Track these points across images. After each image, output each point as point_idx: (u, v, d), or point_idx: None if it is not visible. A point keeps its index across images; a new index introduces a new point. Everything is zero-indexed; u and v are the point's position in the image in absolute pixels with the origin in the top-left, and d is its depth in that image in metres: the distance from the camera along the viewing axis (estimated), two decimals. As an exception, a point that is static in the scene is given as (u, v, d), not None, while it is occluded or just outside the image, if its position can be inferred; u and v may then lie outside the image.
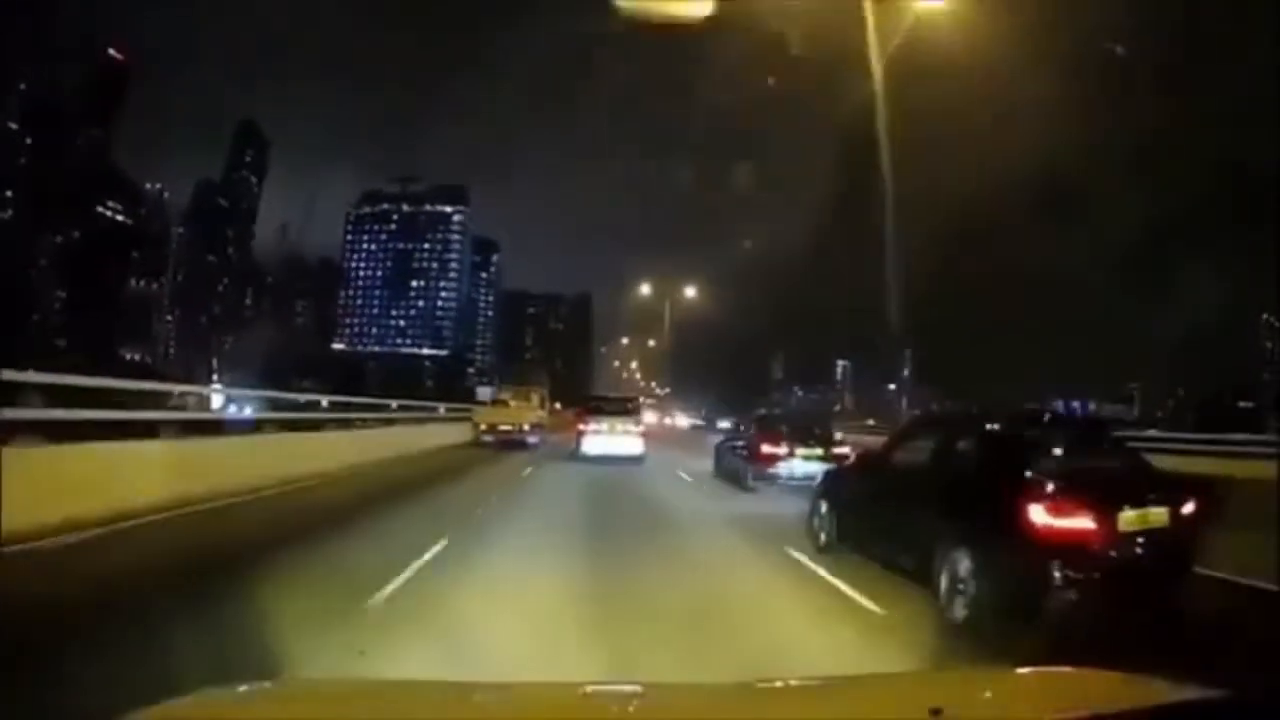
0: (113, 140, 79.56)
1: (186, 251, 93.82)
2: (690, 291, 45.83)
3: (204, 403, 17.08)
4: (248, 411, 17.40)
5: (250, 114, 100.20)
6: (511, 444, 19.98)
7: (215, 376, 69.22)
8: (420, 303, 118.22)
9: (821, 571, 5.44)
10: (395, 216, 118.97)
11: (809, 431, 11.53)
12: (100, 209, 79.05)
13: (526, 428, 20.89)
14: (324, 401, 19.05)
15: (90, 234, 75.68)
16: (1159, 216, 50.72)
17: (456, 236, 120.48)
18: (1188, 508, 4.35)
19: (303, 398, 20.94)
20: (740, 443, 12.23)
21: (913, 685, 2.04)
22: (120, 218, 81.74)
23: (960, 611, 4.21)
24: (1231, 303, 49.70)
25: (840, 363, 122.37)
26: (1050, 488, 4.12)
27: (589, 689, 1.96)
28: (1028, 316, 72.42)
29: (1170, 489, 4.48)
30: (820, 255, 79.45)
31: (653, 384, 79.03)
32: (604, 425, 16.51)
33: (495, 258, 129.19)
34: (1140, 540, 4.12)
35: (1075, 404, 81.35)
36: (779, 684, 2.06)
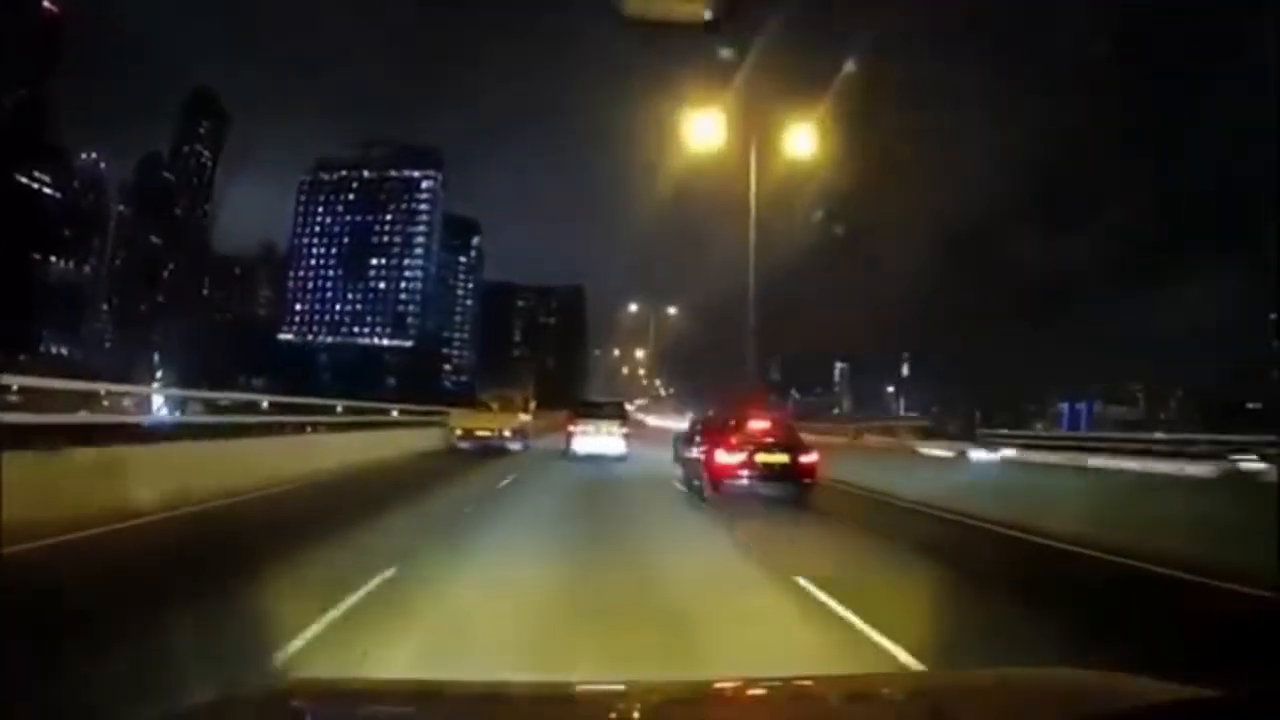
0: (42, 103, 77.34)
1: (127, 232, 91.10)
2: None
3: (142, 405, 17.72)
4: (177, 414, 18.43)
5: (209, 83, 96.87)
6: (489, 451, 20.13)
7: (159, 374, 67.62)
8: (380, 284, 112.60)
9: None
10: (354, 184, 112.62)
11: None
12: (23, 179, 76.70)
13: (507, 433, 21.32)
14: (264, 403, 18.90)
15: (10, 207, 72.18)
16: (1163, 217, 53.83)
17: (425, 206, 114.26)
18: (807, 457, 11.34)
19: (231, 398, 19.98)
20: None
21: (913, 685, 2.21)
22: (48, 190, 79.87)
23: (697, 496, 11.95)
24: (1237, 302, 52.61)
25: (839, 365, 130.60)
26: (722, 443, 11.52)
27: (587, 688, 2.18)
28: (1030, 318, 77.46)
29: (799, 448, 11.55)
30: (821, 256, 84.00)
31: (656, 382, 78.49)
32: (591, 427, 19.73)
33: (476, 240, 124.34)
34: (772, 466, 11.19)
35: (1080, 406, 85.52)
36: (777, 683, 2.19)
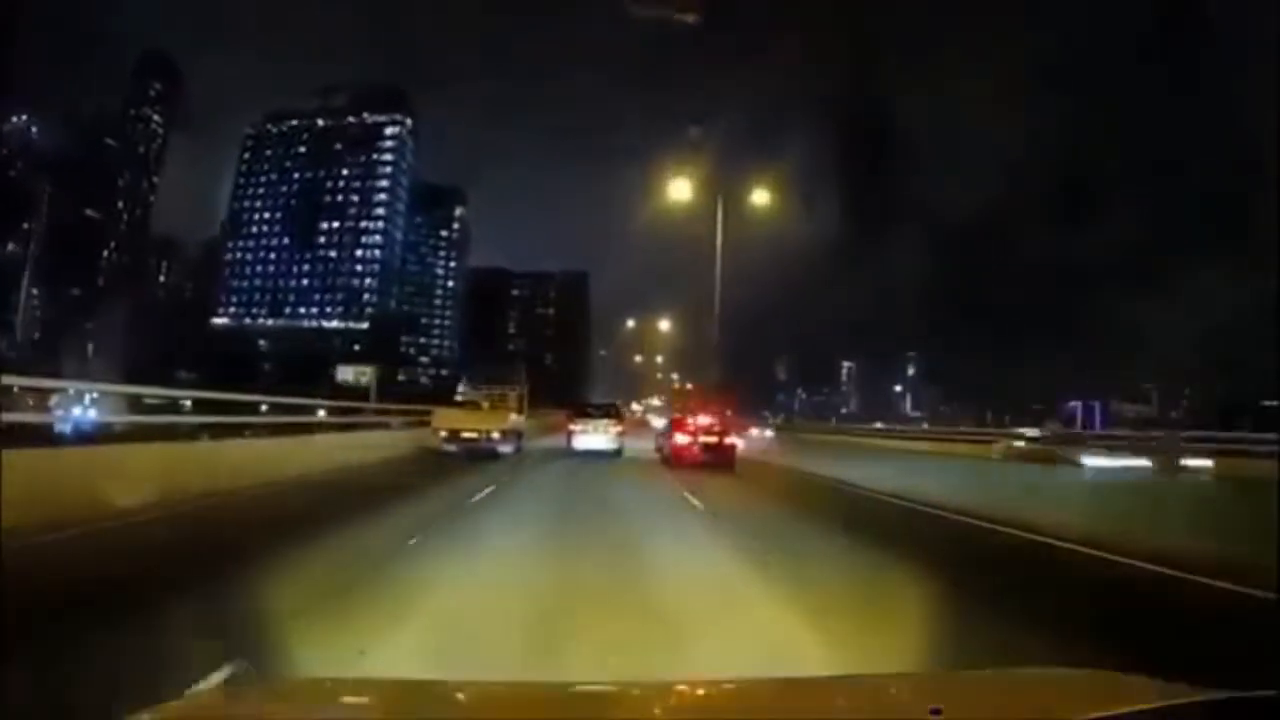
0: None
1: (61, 206, 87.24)
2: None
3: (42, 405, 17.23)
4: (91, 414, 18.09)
5: (166, 40, 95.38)
6: (479, 454, 21.04)
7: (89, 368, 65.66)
8: (331, 253, 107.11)
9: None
10: (305, 135, 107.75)
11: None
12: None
13: (496, 435, 22.43)
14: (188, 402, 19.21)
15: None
16: (1173, 215, 58.51)
17: (389, 157, 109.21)
18: (729, 440, 21.40)
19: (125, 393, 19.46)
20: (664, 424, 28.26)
21: (913, 685, 2.48)
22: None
23: (664, 462, 21.88)
24: (1250, 301, 56.52)
25: (846, 364, 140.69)
26: (679, 427, 21.86)
27: (586, 688, 2.53)
28: (1040, 317, 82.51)
29: (724, 433, 21.41)
30: (827, 256, 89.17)
31: (674, 375, 76.13)
32: (589, 426, 25.18)
33: (459, 211, 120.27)
34: (708, 444, 20.80)
35: (1095, 404, 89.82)
36: (777, 683, 2.51)
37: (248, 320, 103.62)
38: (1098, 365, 79.95)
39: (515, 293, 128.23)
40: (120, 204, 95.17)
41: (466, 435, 21.98)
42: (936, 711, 1.51)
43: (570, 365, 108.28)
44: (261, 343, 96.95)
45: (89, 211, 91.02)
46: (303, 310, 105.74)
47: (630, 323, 75.47)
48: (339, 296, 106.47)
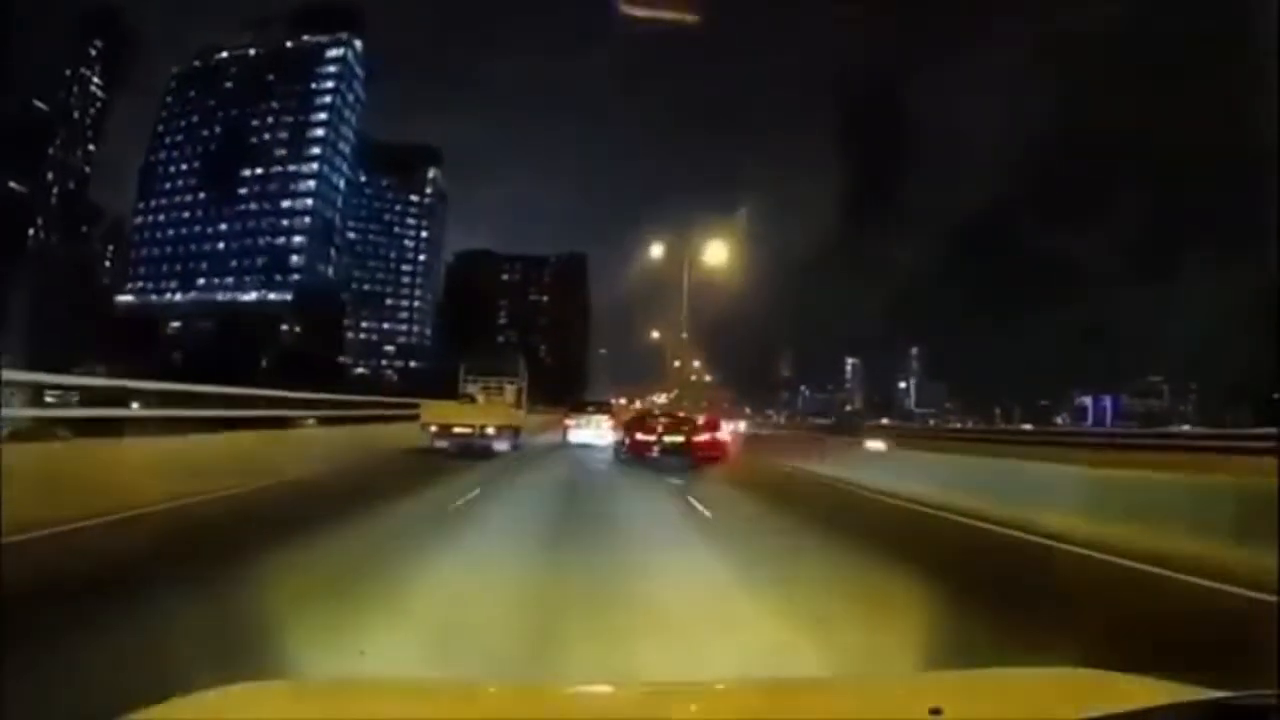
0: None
1: None
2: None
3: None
4: None
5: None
6: (473, 453, 21.60)
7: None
8: (252, 205, 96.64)
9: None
10: (233, 70, 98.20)
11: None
12: None
13: (491, 431, 23.16)
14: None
15: None
16: (1179, 210, 60.37)
17: (329, 84, 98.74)
18: (696, 437, 22.51)
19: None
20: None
21: (913, 685, 2.71)
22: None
23: (619, 461, 22.74)
24: (1258, 297, 58.24)
25: (850, 361, 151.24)
26: (641, 425, 23.52)
27: (585, 688, 2.81)
28: (1044, 312, 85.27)
29: (690, 431, 22.95)
30: (827, 252, 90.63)
31: (695, 364, 74.03)
32: (583, 421, 30.58)
33: (433, 174, 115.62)
34: (671, 442, 21.88)
35: (1106, 399, 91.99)
36: (777, 683, 2.74)
37: (154, 296, 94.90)
38: (1108, 361, 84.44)
39: (505, 277, 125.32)
40: (50, 175, 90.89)
41: (459, 431, 22.64)
42: (936, 711, 1.64)
43: (567, 359, 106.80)
44: (174, 324, 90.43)
45: (13, 184, 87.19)
46: (216, 281, 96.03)
47: (656, 250, 52.89)
48: (259, 262, 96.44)
